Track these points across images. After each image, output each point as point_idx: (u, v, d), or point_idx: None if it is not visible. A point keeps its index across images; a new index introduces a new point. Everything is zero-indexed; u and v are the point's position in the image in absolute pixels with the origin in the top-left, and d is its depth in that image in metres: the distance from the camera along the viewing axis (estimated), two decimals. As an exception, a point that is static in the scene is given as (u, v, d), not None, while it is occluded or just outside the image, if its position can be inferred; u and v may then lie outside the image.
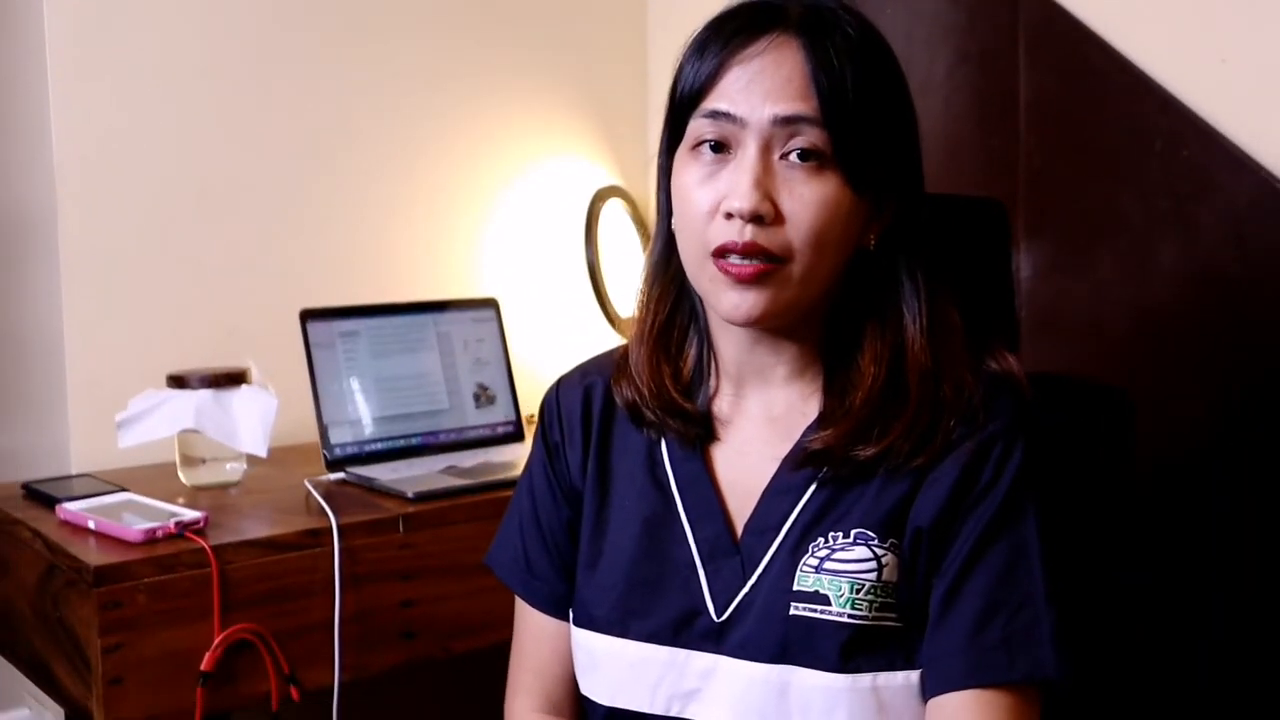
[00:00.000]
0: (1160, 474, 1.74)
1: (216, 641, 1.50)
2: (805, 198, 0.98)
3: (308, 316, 1.87)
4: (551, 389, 1.20)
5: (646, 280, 1.13)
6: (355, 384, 1.90)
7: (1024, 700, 1.01)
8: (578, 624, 1.12)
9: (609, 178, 2.49)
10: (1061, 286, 1.88)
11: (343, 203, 2.24)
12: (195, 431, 1.77)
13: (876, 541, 1.02)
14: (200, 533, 1.55)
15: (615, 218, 2.44)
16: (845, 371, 1.05)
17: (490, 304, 2.07)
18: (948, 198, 1.43)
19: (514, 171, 2.42)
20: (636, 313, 1.13)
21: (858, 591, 1.01)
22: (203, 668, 1.50)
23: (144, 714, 1.48)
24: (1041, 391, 1.09)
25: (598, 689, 1.10)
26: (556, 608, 1.16)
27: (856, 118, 0.99)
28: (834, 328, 1.06)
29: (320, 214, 2.21)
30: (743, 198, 0.97)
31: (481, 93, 2.38)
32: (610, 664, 1.09)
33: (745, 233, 0.98)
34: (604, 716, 1.11)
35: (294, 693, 1.56)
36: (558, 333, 2.40)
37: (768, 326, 1.03)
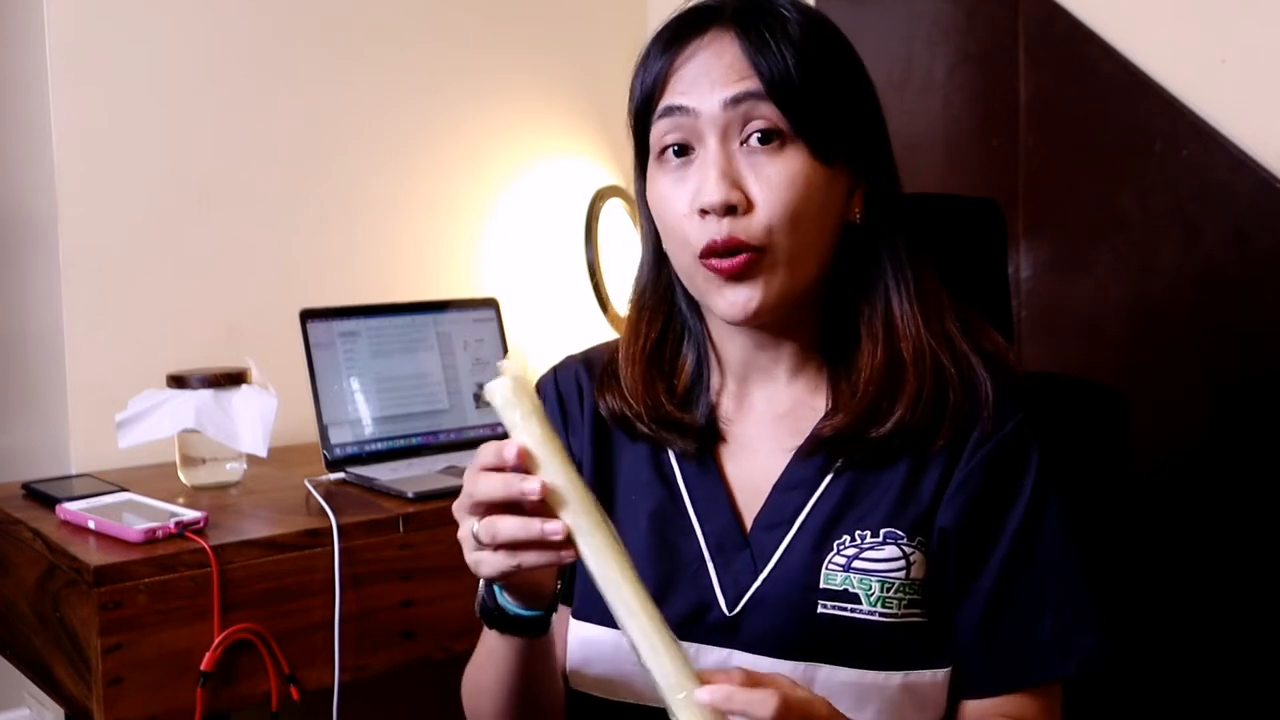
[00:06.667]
0: (1159, 474, 1.74)
1: (216, 641, 1.51)
2: (772, 179, 0.99)
3: (308, 316, 1.87)
4: (548, 374, 1.19)
5: (636, 300, 1.14)
6: (355, 384, 1.90)
7: (1063, 691, 1.05)
8: (580, 617, 1.11)
9: (609, 178, 2.49)
10: (1061, 286, 1.88)
11: (343, 203, 2.24)
12: (195, 431, 1.77)
13: (905, 540, 1.02)
14: (200, 533, 1.55)
15: (615, 218, 2.44)
16: (847, 359, 1.06)
17: (490, 304, 2.07)
18: (944, 198, 1.43)
19: (514, 171, 2.42)
20: (626, 332, 1.13)
21: (888, 590, 1.01)
22: (203, 668, 1.50)
23: (144, 714, 1.48)
24: (1038, 391, 1.09)
25: (601, 685, 1.09)
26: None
27: (805, 90, 1.00)
28: (830, 316, 1.07)
29: (320, 214, 2.22)
30: (711, 191, 0.98)
31: (481, 93, 2.38)
32: (618, 658, 1.07)
33: (723, 228, 0.98)
34: (608, 713, 1.10)
35: (294, 693, 1.57)
36: (558, 333, 2.40)
37: (767, 321, 1.03)
